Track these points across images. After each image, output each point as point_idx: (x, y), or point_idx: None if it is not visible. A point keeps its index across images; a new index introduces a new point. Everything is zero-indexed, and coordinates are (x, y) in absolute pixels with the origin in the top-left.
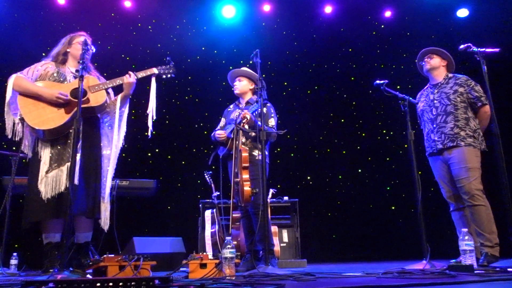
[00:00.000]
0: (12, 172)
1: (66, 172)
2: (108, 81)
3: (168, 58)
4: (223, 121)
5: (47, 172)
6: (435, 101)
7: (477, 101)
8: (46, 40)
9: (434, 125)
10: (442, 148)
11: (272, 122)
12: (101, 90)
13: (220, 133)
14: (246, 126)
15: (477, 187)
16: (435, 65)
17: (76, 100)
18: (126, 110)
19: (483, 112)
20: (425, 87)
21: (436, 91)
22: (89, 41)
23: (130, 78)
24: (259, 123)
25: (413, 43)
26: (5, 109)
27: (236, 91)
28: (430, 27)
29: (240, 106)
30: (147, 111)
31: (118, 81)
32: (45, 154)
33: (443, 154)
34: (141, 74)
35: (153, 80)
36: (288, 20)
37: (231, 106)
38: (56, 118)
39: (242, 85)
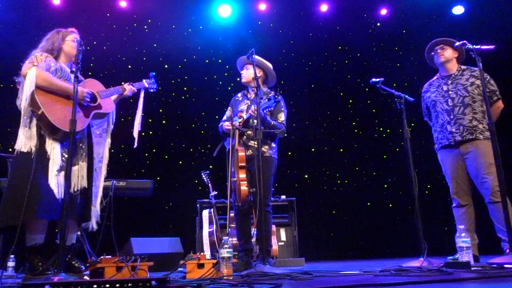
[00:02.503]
0: (8, 174)
1: (77, 173)
2: (112, 88)
3: (151, 73)
4: (230, 110)
5: (58, 171)
6: (450, 92)
7: (493, 95)
8: (41, 40)
9: (451, 116)
10: (461, 140)
11: (282, 117)
12: (109, 97)
13: (229, 125)
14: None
15: (497, 183)
16: (449, 57)
17: (91, 104)
18: (114, 113)
19: (497, 106)
20: (434, 78)
21: (450, 82)
22: (81, 40)
23: (130, 91)
24: (268, 118)
25: (409, 40)
26: (23, 103)
27: (242, 80)
28: (426, 24)
29: (249, 96)
30: (135, 122)
31: (120, 90)
32: (55, 152)
33: (460, 147)
34: (137, 86)
35: (142, 93)
36: (284, 18)
37: (239, 95)
38: (78, 120)
39: (249, 74)
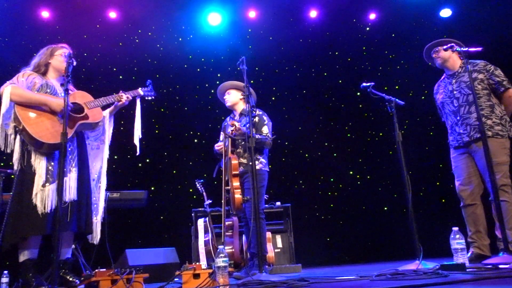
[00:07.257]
0: None
1: (66, 185)
2: (102, 98)
3: (148, 81)
4: (222, 135)
5: (43, 185)
6: (454, 92)
7: (499, 86)
8: (30, 53)
9: (458, 117)
10: (469, 140)
11: (265, 130)
12: (98, 107)
13: (219, 145)
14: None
15: (503, 182)
16: (445, 57)
17: (76, 115)
18: (112, 125)
19: (507, 96)
20: (442, 78)
21: (454, 81)
22: (71, 54)
23: (124, 99)
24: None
25: (399, 44)
26: (0, 121)
27: (227, 104)
28: (415, 27)
29: (235, 118)
30: (134, 129)
31: (111, 100)
32: (41, 167)
33: (470, 147)
34: (131, 94)
35: (138, 101)
36: (274, 25)
37: (228, 119)
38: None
39: (232, 98)
